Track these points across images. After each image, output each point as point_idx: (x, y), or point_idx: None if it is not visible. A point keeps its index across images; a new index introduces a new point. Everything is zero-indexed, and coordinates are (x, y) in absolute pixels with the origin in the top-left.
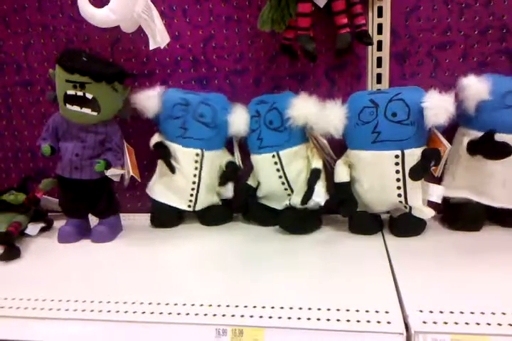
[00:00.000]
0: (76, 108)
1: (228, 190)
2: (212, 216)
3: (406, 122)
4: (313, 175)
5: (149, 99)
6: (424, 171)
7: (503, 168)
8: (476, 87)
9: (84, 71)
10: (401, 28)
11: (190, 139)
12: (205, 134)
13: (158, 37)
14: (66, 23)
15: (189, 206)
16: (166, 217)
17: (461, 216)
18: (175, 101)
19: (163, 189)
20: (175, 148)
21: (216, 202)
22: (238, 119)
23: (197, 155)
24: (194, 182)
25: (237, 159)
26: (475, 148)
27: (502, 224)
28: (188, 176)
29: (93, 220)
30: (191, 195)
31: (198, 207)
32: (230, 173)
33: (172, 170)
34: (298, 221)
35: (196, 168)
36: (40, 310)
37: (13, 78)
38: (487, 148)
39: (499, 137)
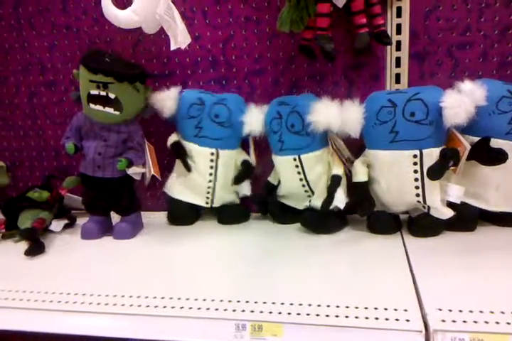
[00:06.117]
0: (99, 107)
1: (245, 189)
2: (229, 214)
3: (424, 122)
4: (334, 182)
5: (167, 100)
6: (442, 171)
7: (497, 172)
8: (473, 92)
9: (107, 71)
10: (420, 28)
11: (205, 138)
12: (221, 134)
13: (180, 37)
14: (89, 25)
15: (206, 202)
16: (182, 214)
17: (457, 217)
18: (191, 101)
19: (181, 187)
20: (191, 147)
21: (233, 201)
22: (253, 120)
23: (212, 154)
24: (210, 181)
25: (252, 158)
26: (470, 155)
27: (496, 223)
28: (204, 174)
29: (115, 217)
30: (208, 192)
31: (216, 204)
32: (244, 172)
33: (188, 168)
34: (321, 220)
35: (212, 167)
36: (65, 303)
37: (37, 78)
38: (482, 155)
39: (493, 142)
